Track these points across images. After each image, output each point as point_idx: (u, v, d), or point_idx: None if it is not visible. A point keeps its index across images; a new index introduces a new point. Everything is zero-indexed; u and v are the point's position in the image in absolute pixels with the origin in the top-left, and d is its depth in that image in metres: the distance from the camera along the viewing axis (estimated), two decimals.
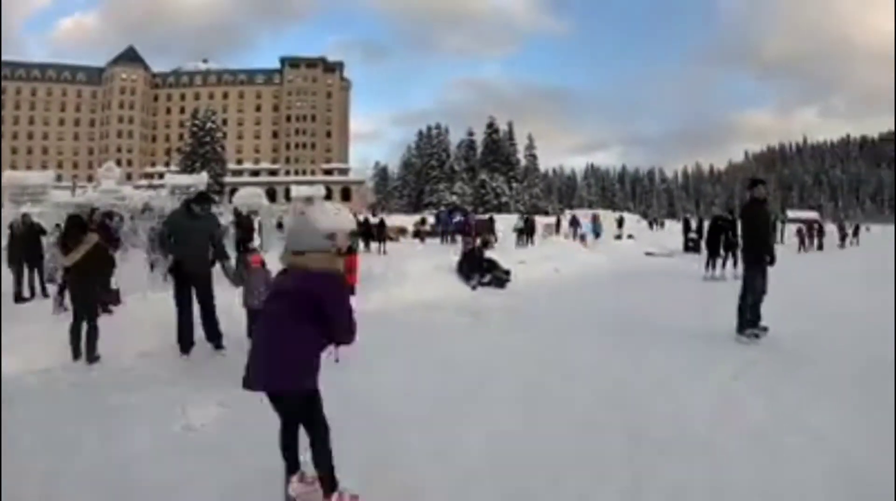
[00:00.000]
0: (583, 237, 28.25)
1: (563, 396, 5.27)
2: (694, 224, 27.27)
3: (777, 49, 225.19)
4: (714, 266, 15.37)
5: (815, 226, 32.49)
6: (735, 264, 14.35)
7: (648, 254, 21.95)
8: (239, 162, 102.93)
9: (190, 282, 6.67)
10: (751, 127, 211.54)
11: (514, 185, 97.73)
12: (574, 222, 33.22)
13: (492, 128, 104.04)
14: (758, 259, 7.63)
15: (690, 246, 24.16)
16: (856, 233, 38.23)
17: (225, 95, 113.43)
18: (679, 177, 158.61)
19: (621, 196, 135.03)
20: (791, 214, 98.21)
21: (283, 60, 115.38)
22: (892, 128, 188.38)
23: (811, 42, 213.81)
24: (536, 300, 11.17)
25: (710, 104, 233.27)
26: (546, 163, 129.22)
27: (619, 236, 32.05)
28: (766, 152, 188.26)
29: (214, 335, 6.82)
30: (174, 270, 6.67)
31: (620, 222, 41.83)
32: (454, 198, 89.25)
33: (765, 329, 7.45)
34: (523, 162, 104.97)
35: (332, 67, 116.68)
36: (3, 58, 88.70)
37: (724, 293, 11.03)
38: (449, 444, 4.10)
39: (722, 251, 15.22)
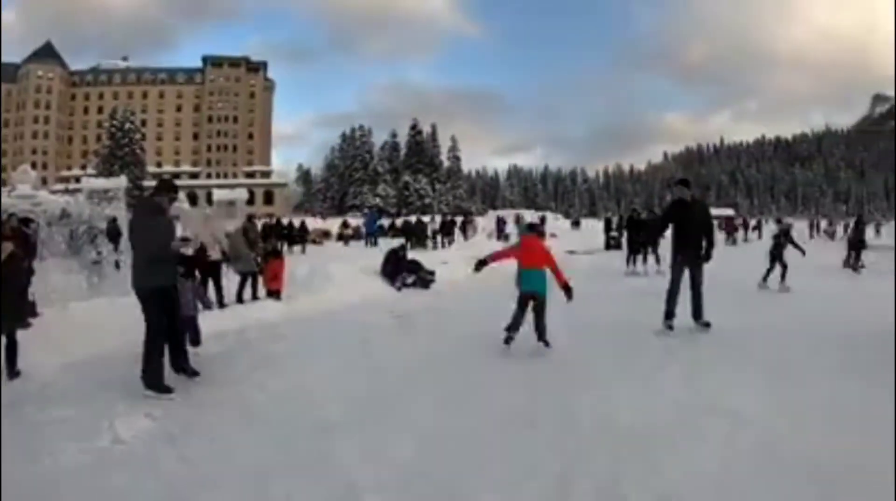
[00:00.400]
0: (507, 237, 28.85)
1: (489, 391, 5.40)
2: (615, 222, 27.98)
3: (695, 55, 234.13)
4: (635, 262, 15.74)
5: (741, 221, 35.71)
6: (657, 260, 14.97)
7: (570, 252, 22.35)
8: (158, 165, 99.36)
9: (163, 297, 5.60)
10: (669, 129, 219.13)
11: (438, 186, 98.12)
12: (500, 223, 33.88)
13: (415, 129, 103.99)
14: (676, 255, 7.91)
15: (612, 244, 24.92)
16: (756, 228, 40.52)
17: (144, 95, 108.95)
18: (600, 177, 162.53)
19: (544, 196, 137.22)
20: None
21: (205, 59, 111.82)
22: (805, 130, 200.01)
23: (727, 49, 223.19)
24: (460, 300, 11.36)
25: (631, 107, 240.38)
26: (469, 164, 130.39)
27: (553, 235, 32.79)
28: (684, 153, 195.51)
29: (186, 361, 5.90)
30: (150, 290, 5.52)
31: (542, 222, 42.79)
32: (377, 200, 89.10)
33: (707, 324, 7.69)
34: (447, 163, 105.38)
35: (256, 67, 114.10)
36: None
37: (643, 288, 11.59)
38: (380, 443, 4.18)
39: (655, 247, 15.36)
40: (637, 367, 6.13)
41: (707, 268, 7.79)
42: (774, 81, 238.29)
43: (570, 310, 6.94)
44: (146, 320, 5.50)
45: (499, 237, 30.40)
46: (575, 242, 27.08)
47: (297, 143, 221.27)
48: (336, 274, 12.09)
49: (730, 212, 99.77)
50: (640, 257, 15.79)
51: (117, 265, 11.97)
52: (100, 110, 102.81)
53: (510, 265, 6.95)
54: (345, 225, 37.63)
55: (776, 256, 12.33)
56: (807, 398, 5.00)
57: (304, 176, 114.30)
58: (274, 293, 10.51)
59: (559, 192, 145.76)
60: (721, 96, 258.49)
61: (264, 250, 11.36)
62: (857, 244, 16.92)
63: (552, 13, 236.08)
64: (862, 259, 16.52)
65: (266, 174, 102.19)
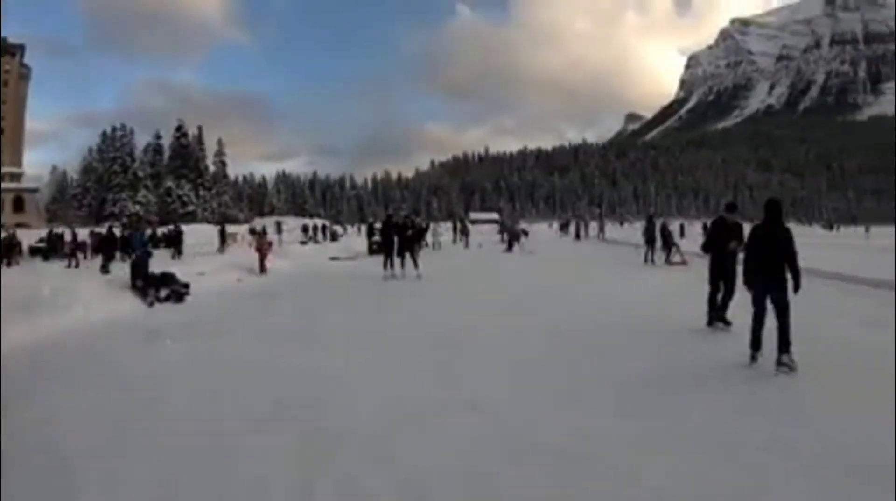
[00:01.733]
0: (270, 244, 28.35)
1: (239, 398, 5.45)
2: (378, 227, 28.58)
3: (457, 73, 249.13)
4: (392, 265, 16.05)
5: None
6: (415, 264, 15.95)
7: (333, 259, 22.66)
8: None
9: None
10: (434, 138, 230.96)
11: (203, 192, 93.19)
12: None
13: (180, 131, 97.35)
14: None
15: (375, 249, 25.46)
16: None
17: None
18: (369, 183, 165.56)
19: (312, 203, 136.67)
20: (473, 215, 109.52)
21: None
22: (562, 143, 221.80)
23: (487, 70, 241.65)
24: (213, 313, 11.10)
25: (398, 118, 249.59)
26: (236, 170, 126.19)
27: (304, 242, 32.79)
28: (451, 161, 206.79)
29: None
30: None
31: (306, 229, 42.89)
32: (138, 208, 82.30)
33: None
34: (212, 168, 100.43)
35: (12, 51, 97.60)
36: None
37: (398, 290, 12.32)
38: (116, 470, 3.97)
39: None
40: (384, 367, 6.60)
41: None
42: (531, 100, 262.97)
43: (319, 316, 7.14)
44: None
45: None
46: (339, 247, 27.33)
47: (52, 142, 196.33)
48: (82, 291, 11.21)
49: (494, 216, 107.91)
50: (398, 260, 16.13)
51: None
52: None
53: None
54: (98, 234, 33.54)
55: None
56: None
57: (61, 179, 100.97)
58: None
59: (328, 198, 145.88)
60: (481, 112, 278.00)
61: None
62: (652, 241, 19.65)
63: (322, 26, 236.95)
64: (675, 254, 19.12)
65: (16, 177, 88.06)
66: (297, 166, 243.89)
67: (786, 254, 6.31)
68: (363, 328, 8.95)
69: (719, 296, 8.22)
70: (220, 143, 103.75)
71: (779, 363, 6.07)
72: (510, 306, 11.03)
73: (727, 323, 8.11)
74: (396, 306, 11.49)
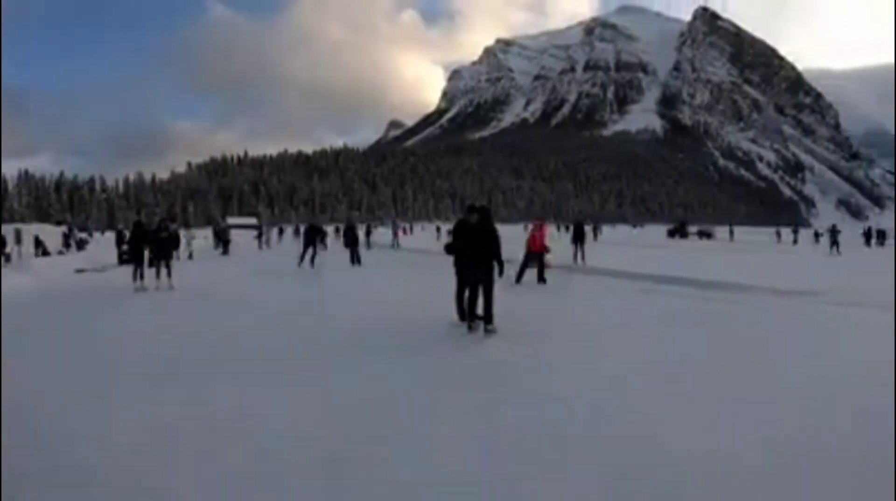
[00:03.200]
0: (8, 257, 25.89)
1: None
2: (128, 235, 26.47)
3: (210, 70, 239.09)
4: (143, 276, 14.72)
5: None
6: (169, 274, 14.78)
7: (79, 271, 21.05)
8: None
9: None
10: (189, 138, 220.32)
11: None
12: None
13: None
14: None
15: (125, 259, 22.39)
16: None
17: None
18: (120, 186, 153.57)
19: (58, 207, 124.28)
20: (231, 220, 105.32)
21: None
22: (323, 147, 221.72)
23: (242, 69, 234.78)
24: None
25: (150, 115, 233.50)
26: None
27: (46, 252, 30.10)
28: (209, 163, 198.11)
29: None
30: None
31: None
32: None
33: None
34: None
35: None
36: None
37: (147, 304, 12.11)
38: None
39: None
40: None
41: None
42: (289, 103, 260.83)
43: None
44: None
45: None
46: (84, 258, 25.59)
47: None
48: None
49: (252, 221, 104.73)
50: (151, 271, 14.95)
51: None
52: None
53: None
54: None
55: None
56: None
57: None
58: None
59: (75, 201, 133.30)
60: (237, 111, 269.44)
61: None
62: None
63: (67, 19, 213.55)
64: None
65: None
66: (41, 165, 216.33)
67: (493, 247, 8.31)
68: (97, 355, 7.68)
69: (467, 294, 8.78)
70: None
71: (486, 330, 8.32)
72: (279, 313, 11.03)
73: (480, 319, 8.70)
74: (139, 321, 10.49)
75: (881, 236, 50.32)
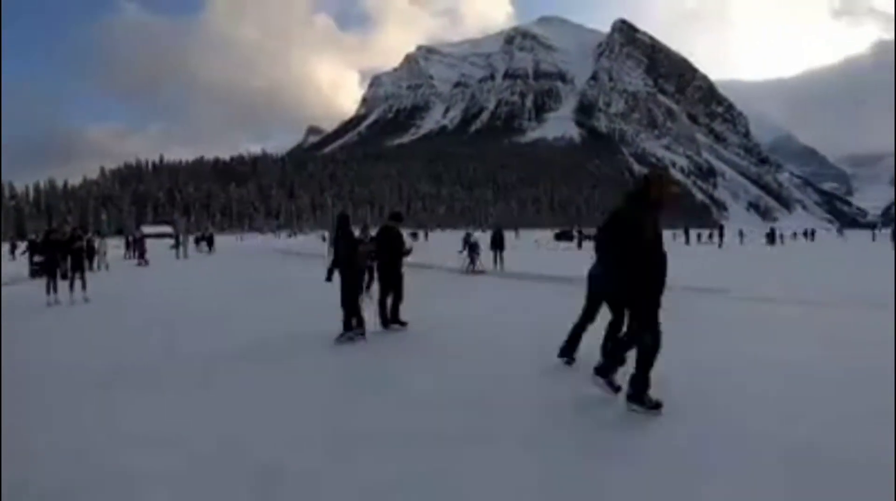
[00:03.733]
0: None
1: None
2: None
3: (120, 72, 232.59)
4: (56, 289, 13.63)
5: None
6: (84, 285, 13.94)
7: None
8: None
9: None
10: (101, 143, 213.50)
11: None
12: None
13: None
14: None
15: (37, 270, 19.45)
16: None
17: None
18: (31, 193, 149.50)
19: None
20: (146, 229, 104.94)
21: None
22: (240, 153, 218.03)
23: (153, 71, 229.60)
24: None
25: (59, 118, 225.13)
26: None
27: None
28: (123, 169, 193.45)
29: None
30: None
31: None
32: None
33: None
34: None
35: None
36: None
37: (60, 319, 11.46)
38: None
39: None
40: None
41: None
42: (202, 108, 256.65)
43: None
44: None
45: None
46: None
47: None
48: None
49: (168, 229, 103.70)
50: (62, 283, 13.77)
51: None
52: None
53: None
54: None
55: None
56: None
57: None
58: None
59: None
60: (149, 115, 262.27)
61: None
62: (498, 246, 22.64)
63: None
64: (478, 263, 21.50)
65: None
66: None
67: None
68: None
69: (389, 300, 9.01)
70: None
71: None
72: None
73: (403, 324, 8.99)
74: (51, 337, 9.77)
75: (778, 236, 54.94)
